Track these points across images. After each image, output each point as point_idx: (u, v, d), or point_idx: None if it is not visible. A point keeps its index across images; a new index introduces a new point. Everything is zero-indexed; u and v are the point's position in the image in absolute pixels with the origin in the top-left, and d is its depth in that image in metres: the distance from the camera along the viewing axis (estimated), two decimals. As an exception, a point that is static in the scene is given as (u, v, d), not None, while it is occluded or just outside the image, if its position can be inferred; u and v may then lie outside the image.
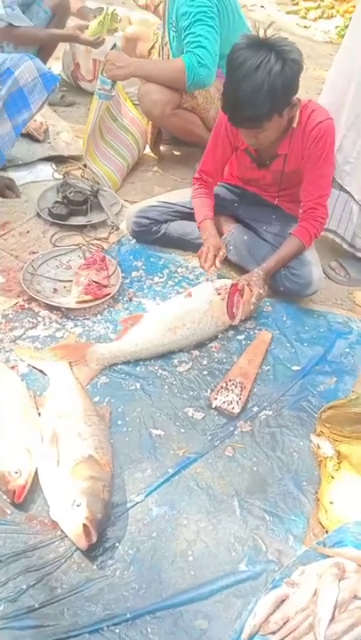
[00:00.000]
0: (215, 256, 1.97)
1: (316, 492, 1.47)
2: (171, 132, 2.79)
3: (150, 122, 2.75)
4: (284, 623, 1.17)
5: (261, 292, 1.94)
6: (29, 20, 2.81)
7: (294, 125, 1.90)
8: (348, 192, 2.18)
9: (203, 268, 1.99)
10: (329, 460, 1.49)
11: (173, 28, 2.46)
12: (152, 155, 2.94)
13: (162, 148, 2.95)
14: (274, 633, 1.17)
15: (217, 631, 1.18)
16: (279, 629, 1.17)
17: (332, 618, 1.14)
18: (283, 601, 1.20)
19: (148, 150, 2.92)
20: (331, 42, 5.20)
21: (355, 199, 2.17)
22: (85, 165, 2.65)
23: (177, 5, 2.33)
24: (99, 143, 2.58)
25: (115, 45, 2.49)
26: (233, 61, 1.74)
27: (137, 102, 2.69)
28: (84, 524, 1.24)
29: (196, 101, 2.54)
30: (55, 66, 3.61)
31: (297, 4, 5.96)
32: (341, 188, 2.19)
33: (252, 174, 2.14)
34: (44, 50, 3.14)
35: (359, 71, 2.07)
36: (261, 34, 1.74)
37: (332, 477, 1.45)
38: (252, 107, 1.71)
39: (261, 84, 1.68)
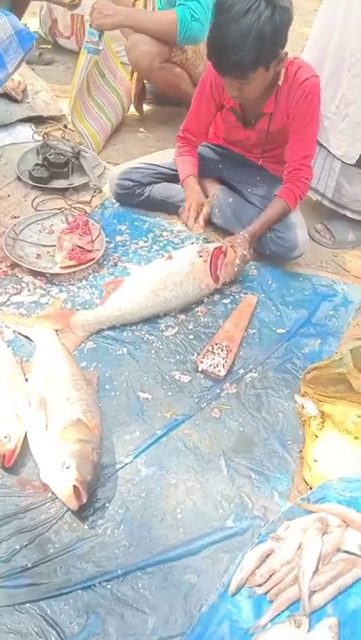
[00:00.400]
0: (198, 213, 1.95)
1: (301, 451, 1.50)
2: (157, 85, 2.71)
3: (135, 76, 2.67)
4: (270, 576, 1.21)
5: (245, 253, 1.91)
6: None
7: (280, 83, 1.85)
8: (325, 148, 2.16)
9: (186, 225, 1.96)
10: (313, 419, 1.52)
11: None
12: (135, 115, 2.86)
13: (145, 107, 2.88)
14: (260, 585, 1.21)
15: (206, 585, 1.22)
16: (265, 582, 1.21)
17: (316, 570, 1.19)
18: (268, 555, 1.24)
19: (131, 111, 2.84)
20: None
21: (334, 155, 2.15)
22: (66, 126, 2.58)
23: None
24: (85, 100, 2.50)
25: None
26: (221, 5, 1.67)
27: (124, 60, 2.60)
28: (74, 486, 1.26)
29: (186, 56, 2.47)
30: (32, 22, 3.47)
31: None
32: (320, 144, 2.17)
33: (237, 134, 2.10)
34: (17, 5, 3.01)
35: (340, 25, 2.02)
36: None
37: (316, 436, 1.48)
38: (239, 52, 1.64)
39: (250, 28, 1.61)
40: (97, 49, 2.35)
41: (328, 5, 2.13)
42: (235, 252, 1.89)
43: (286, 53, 1.78)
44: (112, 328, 1.77)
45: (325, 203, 2.26)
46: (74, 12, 3.16)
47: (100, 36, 2.33)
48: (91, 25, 2.31)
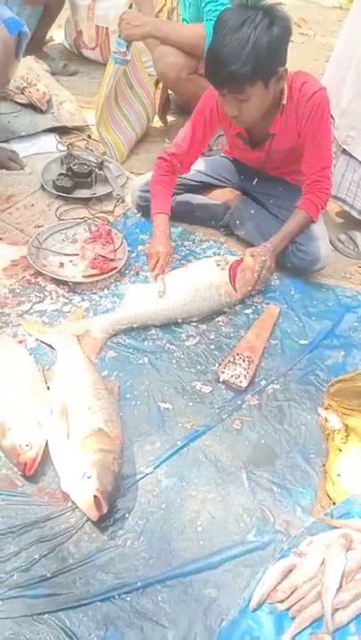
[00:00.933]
0: (163, 265, 1.85)
1: (324, 465, 1.48)
2: (183, 97, 2.72)
3: (160, 88, 2.69)
4: (292, 592, 1.19)
5: (265, 259, 1.86)
6: None
7: (284, 102, 1.82)
8: (355, 158, 2.14)
9: (152, 272, 1.86)
10: (337, 432, 1.50)
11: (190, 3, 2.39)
12: (158, 126, 2.88)
13: (168, 117, 2.89)
14: (282, 601, 1.19)
15: (226, 599, 1.20)
16: (287, 598, 1.19)
17: (340, 587, 1.16)
18: (290, 570, 1.22)
19: (154, 121, 2.86)
20: (340, 7, 5.05)
21: None
22: (90, 136, 2.60)
23: None
24: (113, 109, 2.52)
25: (132, 4, 2.40)
26: (218, 21, 1.66)
27: (150, 72, 2.62)
28: (94, 496, 1.25)
29: None
30: (57, 34, 3.54)
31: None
32: (350, 155, 2.16)
33: (247, 155, 2.09)
34: (48, 13, 3.07)
35: None
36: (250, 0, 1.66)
37: (340, 450, 1.46)
38: (235, 62, 1.60)
39: (246, 39, 1.58)
40: (124, 59, 2.37)
41: (355, 14, 2.12)
42: (254, 259, 1.87)
43: (286, 71, 1.73)
44: (133, 337, 1.77)
45: (354, 214, 2.24)
46: (99, 23, 3.22)
47: (127, 47, 2.34)
48: (119, 35, 2.33)
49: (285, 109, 1.84)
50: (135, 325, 1.78)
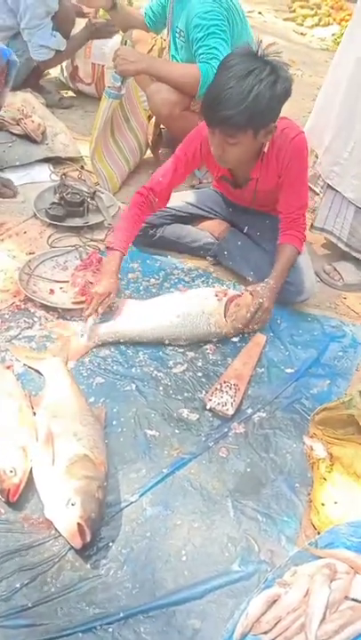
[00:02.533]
0: (100, 304, 1.83)
1: (309, 494, 1.48)
2: (174, 132, 2.79)
3: (153, 122, 2.77)
4: (276, 623, 1.18)
5: (262, 300, 1.87)
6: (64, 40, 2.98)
7: (265, 150, 1.88)
8: (340, 193, 2.21)
9: (86, 307, 1.84)
10: (322, 461, 1.50)
11: (181, 38, 2.47)
12: (150, 158, 2.95)
13: (160, 151, 2.97)
14: (266, 633, 1.17)
15: (209, 631, 1.19)
16: (271, 629, 1.17)
17: (324, 618, 1.15)
18: (275, 601, 1.21)
19: (147, 153, 2.93)
20: (327, 49, 5.25)
21: (348, 199, 2.19)
22: (83, 167, 2.65)
23: (188, 17, 2.35)
24: (108, 142, 2.58)
25: (126, 42, 2.48)
26: (224, 63, 1.72)
27: (146, 107, 2.70)
28: (78, 523, 1.25)
29: None
30: (54, 69, 3.63)
31: (294, 11, 6.02)
32: (335, 189, 2.22)
33: (233, 194, 2.16)
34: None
35: (349, 77, 2.11)
36: (261, 49, 1.71)
37: (325, 479, 1.46)
38: (234, 108, 1.66)
39: (249, 89, 1.65)
40: (118, 94, 2.44)
41: (339, 57, 2.22)
42: (253, 298, 1.88)
43: (276, 127, 1.80)
44: (121, 364, 1.78)
45: (340, 246, 2.29)
46: (94, 61, 3.32)
47: (122, 82, 2.41)
48: (114, 71, 2.40)
49: (266, 155, 1.90)
50: (122, 340, 1.82)
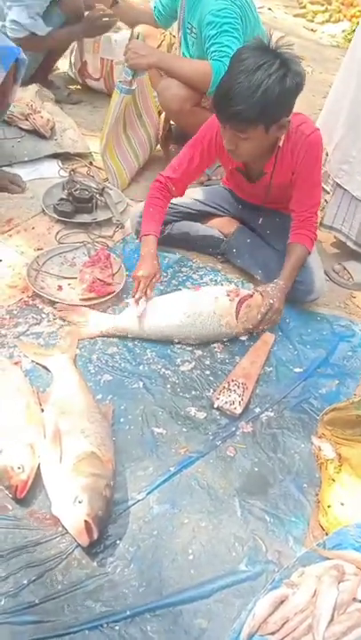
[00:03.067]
0: (147, 286, 1.85)
1: (317, 494, 1.47)
2: (185, 128, 2.78)
3: (163, 117, 2.75)
4: (283, 624, 1.17)
5: (273, 301, 1.85)
6: (47, 27, 2.86)
7: (280, 144, 1.87)
8: (348, 192, 2.19)
9: (134, 292, 1.86)
10: (330, 462, 1.49)
11: (193, 35, 2.45)
12: (159, 155, 2.94)
13: (170, 147, 2.95)
14: (273, 633, 1.16)
15: (216, 630, 1.19)
16: (278, 630, 1.16)
17: (331, 619, 1.14)
18: (282, 602, 1.20)
19: (157, 148, 2.92)
20: (337, 46, 5.21)
21: (357, 198, 2.18)
22: (91, 163, 2.65)
23: (201, 14, 2.33)
24: (120, 137, 2.56)
25: (138, 35, 2.46)
26: (236, 57, 1.71)
27: (157, 102, 2.69)
28: (85, 521, 1.24)
29: None
30: (62, 63, 3.62)
31: (304, 7, 5.98)
32: (344, 188, 2.21)
33: (245, 189, 2.15)
34: (53, 50, 3.15)
35: (358, 74, 2.08)
36: (273, 41, 1.69)
37: (333, 480, 1.45)
38: (243, 103, 1.65)
39: (258, 84, 1.64)
40: (129, 89, 2.42)
41: (351, 53, 2.20)
42: (263, 299, 1.87)
43: (289, 122, 1.79)
44: (128, 361, 1.77)
45: (350, 244, 2.28)
46: (103, 55, 3.31)
47: (133, 76, 2.39)
48: (126, 64, 2.39)
49: (281, 150, 1.89)
50: (130, 335, 1.83)
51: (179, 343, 1.86)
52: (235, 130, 1.74)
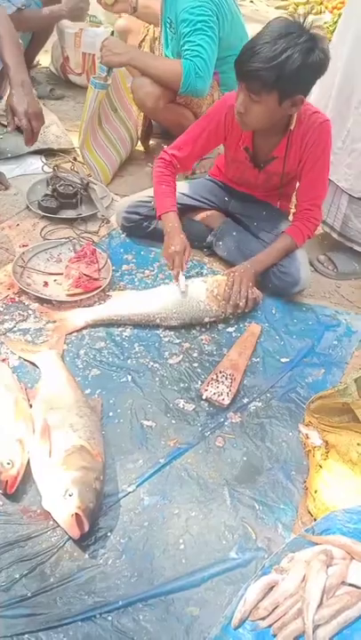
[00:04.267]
0: (182, 261, 1.91)
1: (305, 481, 1.49)
2: (162, 124, 2.79)
3: (142, 114, 2.75)
4: (274, 609, 1.18)
5: (235, 274, 1.93)
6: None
7: (291, 128, 1.87)
8: (333, 182, 2.21)
9: (170, 269, 1.93)
10: (317, 449, 1.51)
11: (172, 29, 2.45)
12: (141, 150, 2.94)
13: (151, 142, 2.96)
14: (263, 618, 1.18)
15: (208, 617, 1.20)
16: (269, 615, 1.18)
17: (321, 603, 1.16)
18: (272, 587, 1.22)
19: (138, 144, 2.92)
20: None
21: (342, 188, 2.19)
22: (75, 158, 2.64)
23: (177, 10, 2.32)
24: (97, 133, 2.57)
25: (112, 32, 2.47)
26: (269, 24, 1.70)
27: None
28: (76, 514, 1.25)
29: (190, 97, 2.54)
30: (44, 59, 3.60)
31: (286, -1, 5.97)
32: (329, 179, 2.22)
33: (245, 174, 2.13)
34: (36, 39, 3.12)
35: (343, 65, 2.10)
36: (307, 22, 1.68)
37: (320, 466, 1.47)
38: (262, 62, 1.64)
39: (283, 50, 1.63)
40: (103, 84, 2.42)
41: (333, 47, 2.21)
42: (228, 275, 1.96)
43: (303, 101, 1.79)
44: (116, 355, 1.78)
45: (334, 235, 2.30)
46: (85, 50, 3.29)
47: (108, 72, 2.40)
48: (100, 61, 2.39)
49: (292, 134, 1.89)
50: (115, 318, 1.87)
51: (165, 334, 1.88)
52: (249, 91, 1.73)
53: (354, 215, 2.22)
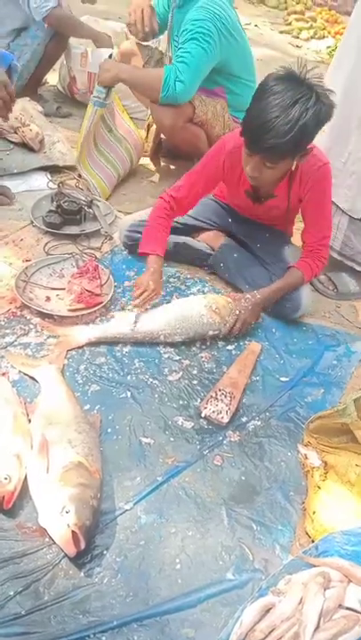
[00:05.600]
0: (148, 298, 1.91)
1: (303, 502, 1.48)
2: (177, 144, 2.81)
3: (152, 132, 2.79)
4: (270, 632, 1.17)
5: (239, 312, 1.93)
6: None
7: (293, 168, 1.89)
8: (334, 203, 2.24)
9: (132, 301, 1.93)
10: (316, 470, 1.51)
11: (178, 45, 2.50)
12: (146, 167, 2.98)
13: (161, 160, 2.99)
14: (260, 641, 1.17)
15: (203, 639, 1.19)
16: (265, 638, 1.17)
17: (318, 626, 1.15)
18: (269, 609, 1.21)
19: (142, 162, 2.95)
20: (322, 61, 5.32)
21: (342, 209, 2.22)
22: (80, 176, 2.68)
23: (183, 23, 2.37)
24: (92, 152, 2.61)
25: (110, 55, 2.54)
26: (268, 87, 1.69)
27: (135, 116, 2.73)
28: (72, 531, 1.24)
29: (206, 117, 2.56)
30: (52, 77, 3.66)
31: (290, 23, 6.09)
32: None
33: (244, 209, 2.17)
34: (47, 57, 3.19)
35: (342, 87, 2.14)
36: (305, 71, 1.68)
37: (319, 487, 1.47)
38: (281, 138, 1.66)
39: (296, 119, 1.64)
40: (102, 102, 2.48)
41: (335, 66, 2.25)
42: (232, 304, 1.95)
43: (311, 150, 1.82)
44: (116, 371, 1.78)
45: (334, 255, 2.32)
46: (90, 70, 3.35)
47: (107, 94, 2.47)
48: (98, 82, 2.47)
49: (293, 174, 1.92)
50: (118, 337, 1.87)
51: (166, 350, 1.88)
52: (265, 160, 1.76)
53: (354, 235, 2.24)
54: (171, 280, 2.22)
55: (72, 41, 3.28)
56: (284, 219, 2.16)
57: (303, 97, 1.65)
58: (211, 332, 1.92)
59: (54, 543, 1.29)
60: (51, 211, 2.41)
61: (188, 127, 2.56)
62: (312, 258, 2.02)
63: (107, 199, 2.62)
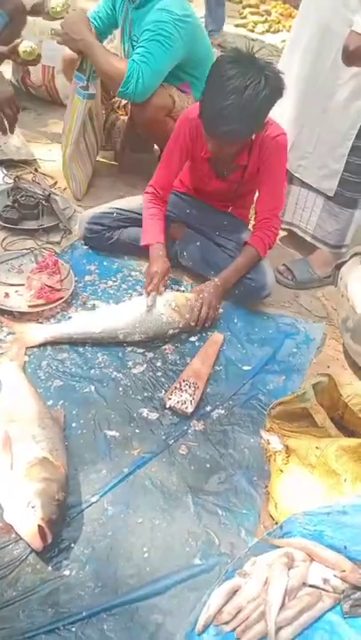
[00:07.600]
0: (160, 281, 1.96)
1: (267, 486, 1.52)
2: (152, 135, 2.75)
3: (126, 124, 2.73)
4: (237, 613, 1.21)
5: (204, 295, 1.96)
6: None
7: (252, 138, 1.93)
8: (308, 185, 2.28)
9: (145, 289, 1.96)
10: (278, 454, 1.54)
11: (139, 44, 2.46)
12: (105, 160, 2.95)
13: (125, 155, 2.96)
14: (227, 623, 1.20)
15: (172, 624, 1.21)
16: (232, 619, 1.20)
17: (283, 605, 1.19)
18: (235, 591, 1.24)
19: (99, 157, 2.93)
20: (278, 55, 5.36)
21: (315, 189, 2.27)
22: (36, 169, 2.64)
23: (144, 23, 2.35)
24: (80, 147, 2.55)
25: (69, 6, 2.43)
26: (220, 72, 1.72)
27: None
28: (38, 525, 1.24)
29: (125, 99, 2.54)
30: (5, 70, 3.58)
31: (245, 17, 6.12)
32: (302, 184, 2.31)
33: (207, 184, 2.18)
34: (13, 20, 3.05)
35: (296, 74, 2.18)
36: (248, 50, 1.74)
37: (281, 471, 1.50)
38: (236, 123, 1.73)
39: (250, 105, 1.70)
40: (91, 94, 2.39)
41: (285, 57, 2.29)
42: (195, 293, 1.99)
43: (267, 123, 1.88)
44: (79, 366, 1.78)
45: (307, 238, 2.39)
46: (45, 63, 3.28)
47: (87, 80, 2.36)
48: (57, 41, 2.35)
49: (253, 145, 1.96)
50: (75, 336, 1.85)
51: (128, 345, 1.88)
52: (224, 142, 1.82)
53: (328, 215, 2.30)
54: (132, 274, 2.22)
55: (25, 32, 3.21)
56: (244, 195, 2.19)
57: (254, 81, 1.70)
58: (171, 331, 1.93)
59: (21, 539, 1.28)
60: (7, 206, 2.37)
61: (168, 121, 2.54)
62: (263, 230, 2.06)
63: (83, 197, 2.59)
